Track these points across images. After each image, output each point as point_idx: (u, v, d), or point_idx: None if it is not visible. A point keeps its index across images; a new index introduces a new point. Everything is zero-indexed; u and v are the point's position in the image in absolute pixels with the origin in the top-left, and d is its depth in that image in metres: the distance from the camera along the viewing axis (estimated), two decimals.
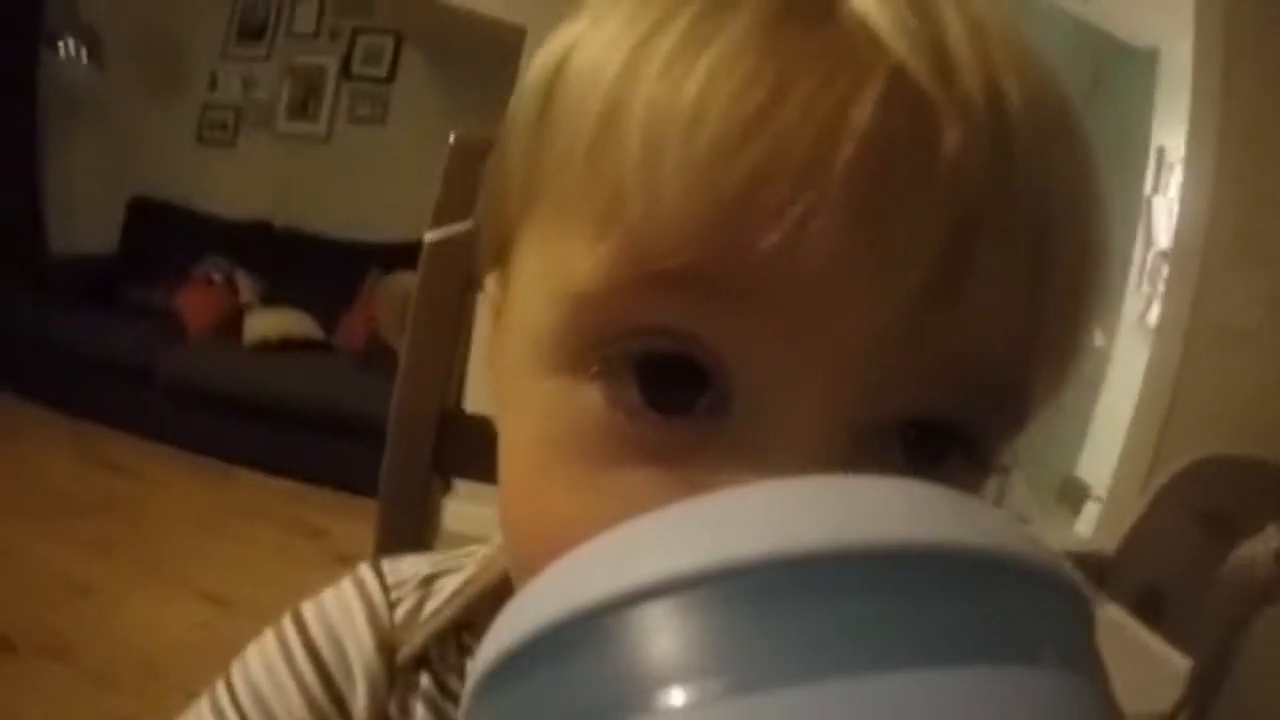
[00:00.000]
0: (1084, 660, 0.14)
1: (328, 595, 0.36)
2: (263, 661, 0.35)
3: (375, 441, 0.57)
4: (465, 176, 0.55)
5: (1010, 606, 0.13)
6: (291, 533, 2.52)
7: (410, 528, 0.56)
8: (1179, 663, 0.90)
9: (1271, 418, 1.13)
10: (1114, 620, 1.08)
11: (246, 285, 3.32)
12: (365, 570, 0.37)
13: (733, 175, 0.18)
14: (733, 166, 0.18)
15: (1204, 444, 1.25)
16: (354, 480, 2.72)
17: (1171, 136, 1.61)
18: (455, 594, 0.36)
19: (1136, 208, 1.75)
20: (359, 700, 0.34)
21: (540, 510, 0.23)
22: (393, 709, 0.34)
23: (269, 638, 0.35)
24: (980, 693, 0.12)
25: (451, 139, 0.56)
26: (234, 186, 3.59)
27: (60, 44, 3.38)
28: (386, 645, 0.35)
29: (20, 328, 3.18)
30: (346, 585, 0.37)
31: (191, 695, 0.35)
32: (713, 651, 0.12)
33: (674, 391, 0.20)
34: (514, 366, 0.24)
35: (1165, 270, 1.57)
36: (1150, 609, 1.12)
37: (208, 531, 2.47)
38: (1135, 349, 1.75)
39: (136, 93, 3.69)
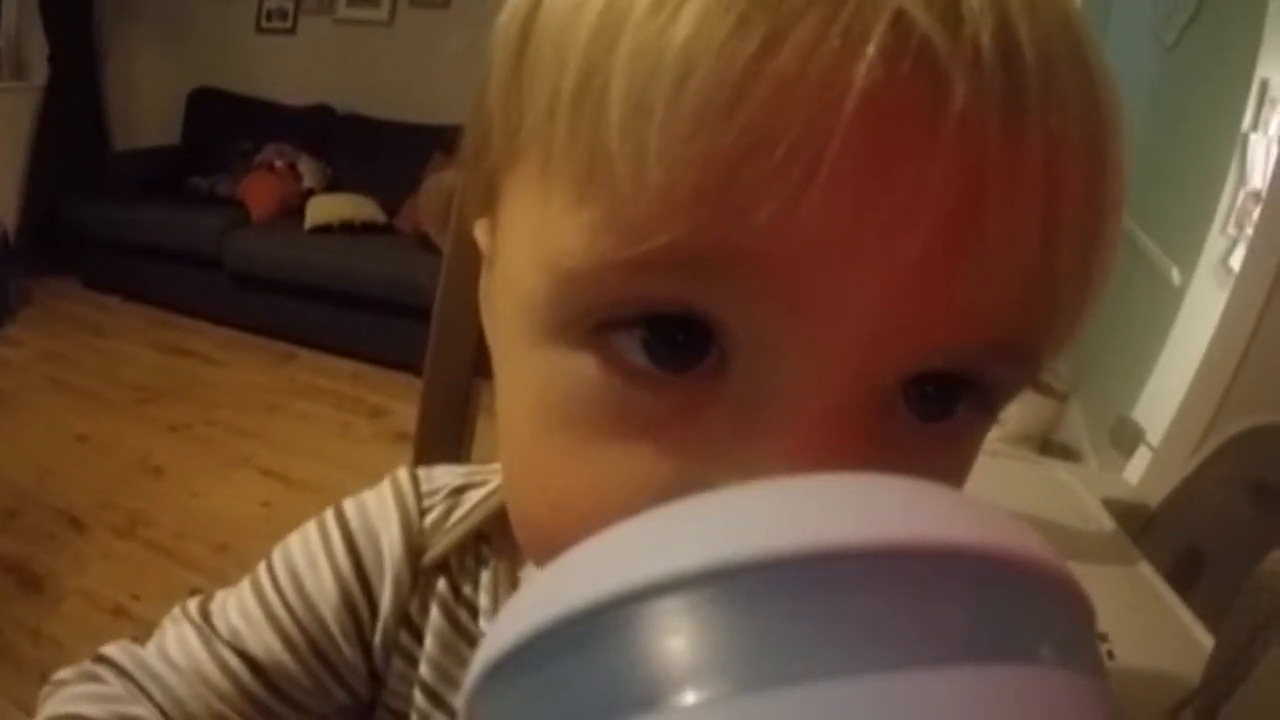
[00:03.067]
0: (1084, 660, 0.14)
1: (369, 495, 0.39)
2: (303, 547, 0.38)
3: None
4: None
5: (1011, 606, 0.13)
6: (352, 411, 2.62)
7: (450, 427, 0.57)
8: (1203, 638, 0.90)
9: None
10: (1145, 580, 1.07)
11: (309, 171, 3.34)
12: (404, 477, 0.39)
13: (725, 138, 0.17)
14: (725, 128, 0.17)
15: (1272, 406, 1.20)
16: (414, 361, 2.71)
17: (1277, 70, 1.47)
18: (476, 505, 0.38)
19: (1231, 144, 1.62)
20: (385, 594, 0.37)
21: (540, 482, 0.23)
22: (413, 607, 0.37)
23: (311, 527, 0.38)
24: (982, 692, 0.12)
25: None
26: (294, 74, 3.57)
27: None
28: (414, 548, 0.37)
29: (89, 222, 3.27)
30: (386, 489, 0.39)
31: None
32: (715, 650, 0.12)
33: (675, 347, 0.20)
34: (506, 332, 0.24)
35: (1256, 213, 1.46)
36: (1188, 569, 1.10)
37: (272, 411, 2.58)
38: (1213, 293, 1.66)
39: None
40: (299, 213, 3.14)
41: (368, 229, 3.14)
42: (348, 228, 3.10)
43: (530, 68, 0.21)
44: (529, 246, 0.21)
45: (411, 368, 2.62)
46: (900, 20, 0.17)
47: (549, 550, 0.15)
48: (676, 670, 0.12)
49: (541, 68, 0.20)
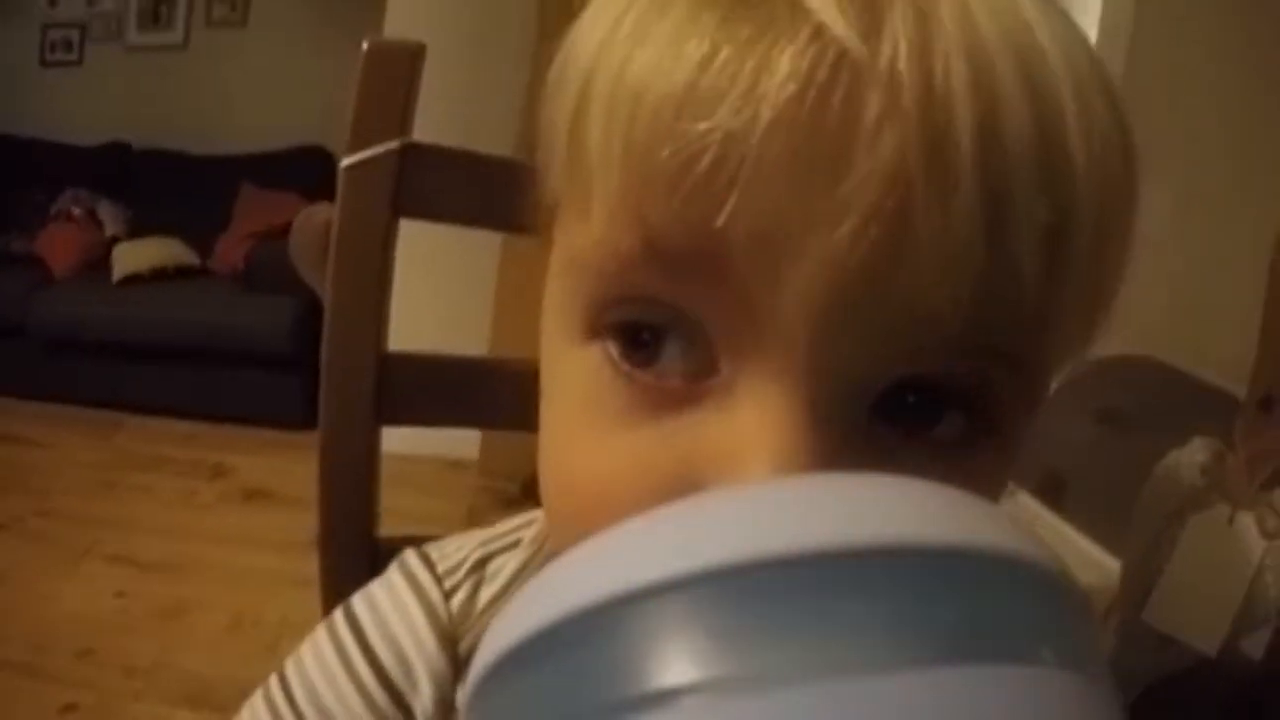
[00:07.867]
0: (1084, 659, 0.14)
1: (379, 591, 0.37)
2: (319, 665, 0.35)
3: (268, 367, 0.53)
4: (383, 88, 0.50)
5: (1010, 606, 0.13)
6: (192, 476, 2.45)
7: (357, 482, 0.54)
8: (1089, 549, 0.99)
9: (1173, 324, 1.21)
10: (1027, 508, 1.17)
11: (110, 216, 3.17)
12: (414, 562, 0.37)
13: (665, 154, 0.19)
14: (665, 145, 0.19)
15: (1112, 343, 1.34)
16: (249, 410, 2.71)
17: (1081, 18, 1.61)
18: (510, 582, 0.36)
19: None
20: (423, 698, 0.35)
21: (567, 471, 0.24)
22: (459, 698, 0.35)
23: (323, 639, 0.36)
24: (980, 693, 0.12)
25: (364, 46, 0.50)
26: (86, 110, 3.37)
27: None
28: (448, 639, 0.35)
29: None
30: (397, 579, 0.37)
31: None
32: (711, 652, 0.12)
33: (668, 344, 0.21)
34: (545, 333, 0.26)
35: None
36: (1051, 493, 1.21)
37: (106, 490, 2.37)
38: None
39: None
40: (105, 264, 2.95)
41: (181, 274, 3.01)
42: (160, 275, 2.96)
43: (557, 100, 0.24)
44: (559, 256, 0.24)
45: (247, 420, 2.57)
46: (821, 33, 0.18)
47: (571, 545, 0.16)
48: (671, 673, 0.12)
49: (560, 98, 0.23)
